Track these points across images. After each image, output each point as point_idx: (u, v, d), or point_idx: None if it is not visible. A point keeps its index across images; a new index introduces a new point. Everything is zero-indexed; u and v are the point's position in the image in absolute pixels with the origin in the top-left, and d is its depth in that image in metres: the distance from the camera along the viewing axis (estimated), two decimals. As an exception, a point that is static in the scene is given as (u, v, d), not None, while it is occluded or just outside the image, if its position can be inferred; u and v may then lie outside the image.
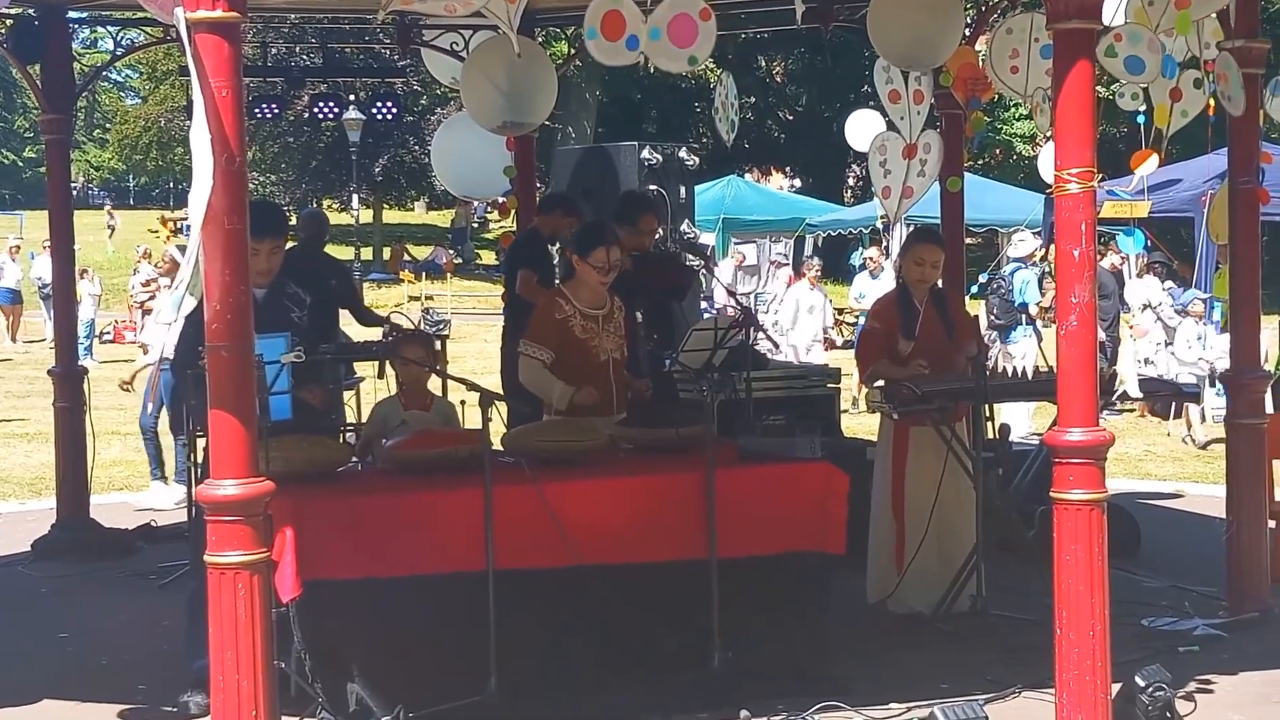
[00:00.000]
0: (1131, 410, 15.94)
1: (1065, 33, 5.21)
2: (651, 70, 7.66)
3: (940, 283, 7.65)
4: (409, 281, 33.11)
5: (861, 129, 16.61)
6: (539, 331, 6.93)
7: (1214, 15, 6.99)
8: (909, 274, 7.52)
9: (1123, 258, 16.29)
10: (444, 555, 5.73)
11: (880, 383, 7.37)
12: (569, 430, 6.41)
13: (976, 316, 8.37)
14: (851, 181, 42.59)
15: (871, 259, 18.54)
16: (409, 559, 5.70)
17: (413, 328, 8.02)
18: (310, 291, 6.95)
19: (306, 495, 5.66)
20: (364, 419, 8.18)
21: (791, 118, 43.13)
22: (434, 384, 8.37)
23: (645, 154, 10.60)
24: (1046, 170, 7.91)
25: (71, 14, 9.82)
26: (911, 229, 9.65)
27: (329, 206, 52.93)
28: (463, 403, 6.64)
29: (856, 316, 18.54)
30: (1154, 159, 7.40)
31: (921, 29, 7.88)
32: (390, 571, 5.68)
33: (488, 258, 42.10)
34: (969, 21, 8.76)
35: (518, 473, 5.90)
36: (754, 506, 6.14)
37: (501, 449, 6.19)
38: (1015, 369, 8.89)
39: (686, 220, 10.85)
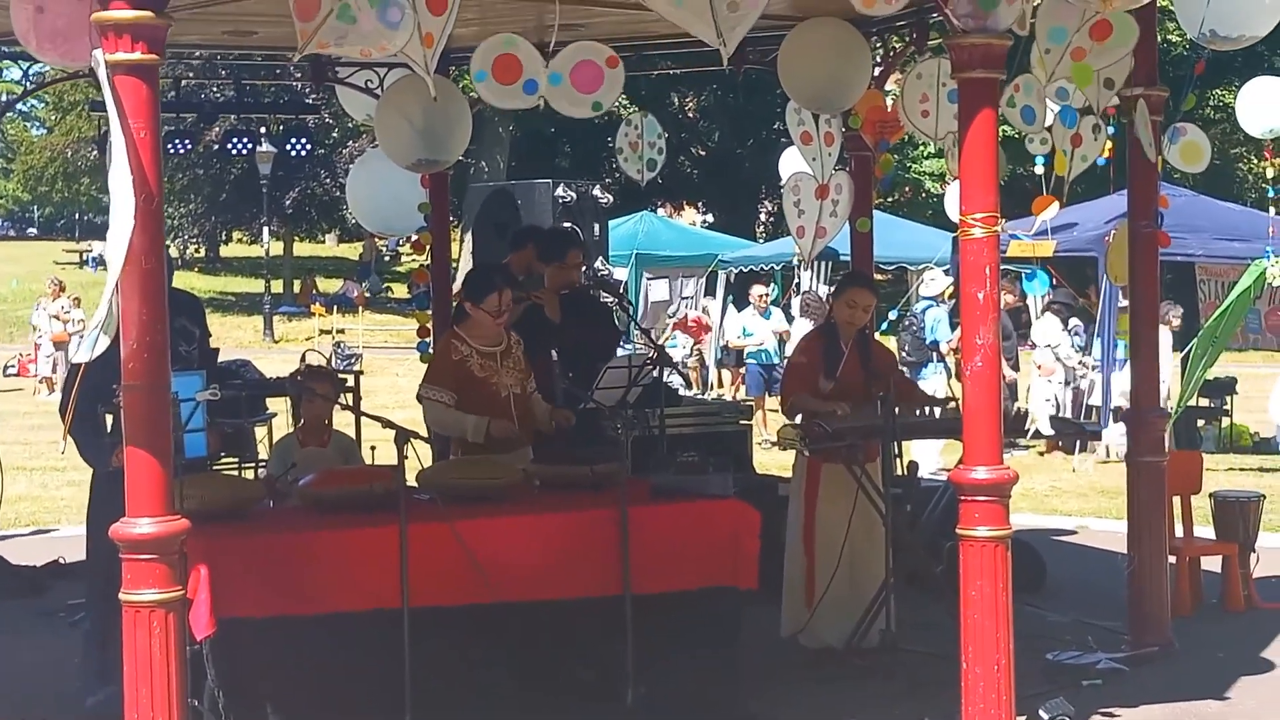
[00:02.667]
0: (1037, 447, 16.20)
1: (970, 81, 5.36)
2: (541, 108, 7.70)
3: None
4: (319, 315, 32.95)
5: (794, 166, 16.75)
6: (438, 375, 7.00)
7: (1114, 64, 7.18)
8: (840, 315, 7.63)
9: (1017, 298, 16.57)
10: (359, 593, 5.73)
11: (796, 419, 7.48)
12: (484, 468, 6.45)
13: (891, 353, 8.51)
14: (763, 217, 42.91)
15: (760, 298, 18.74)
16: (324, 596, 5.69)
17: (322, 364, 8.02)
18: (199, 327, 6.96)
19: (221, 533, 5.64)
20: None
21: (704, 153, 43.40)
22: (346, 422, 8.38)
23: (560, 191, 10.68)
24: (952, 209, 8.09)
25: (-21, 46, 9.74)
26: (845, 272, 9.80)
27: (239, 239, 52.67)
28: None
29: (743, 354, 18.77)
30: (1055, 205, 7.60)
31: (830, 73, 8.04)
32: (305, 609, 5.67)
33: (400, 291, 41.96)
34: (877, 65, 8.93)
35: (433, 510, 5.93)
36: (667, 543, 6.20)
37: (416, 486, 6.21)
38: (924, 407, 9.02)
39: (600, 257, 10.93)
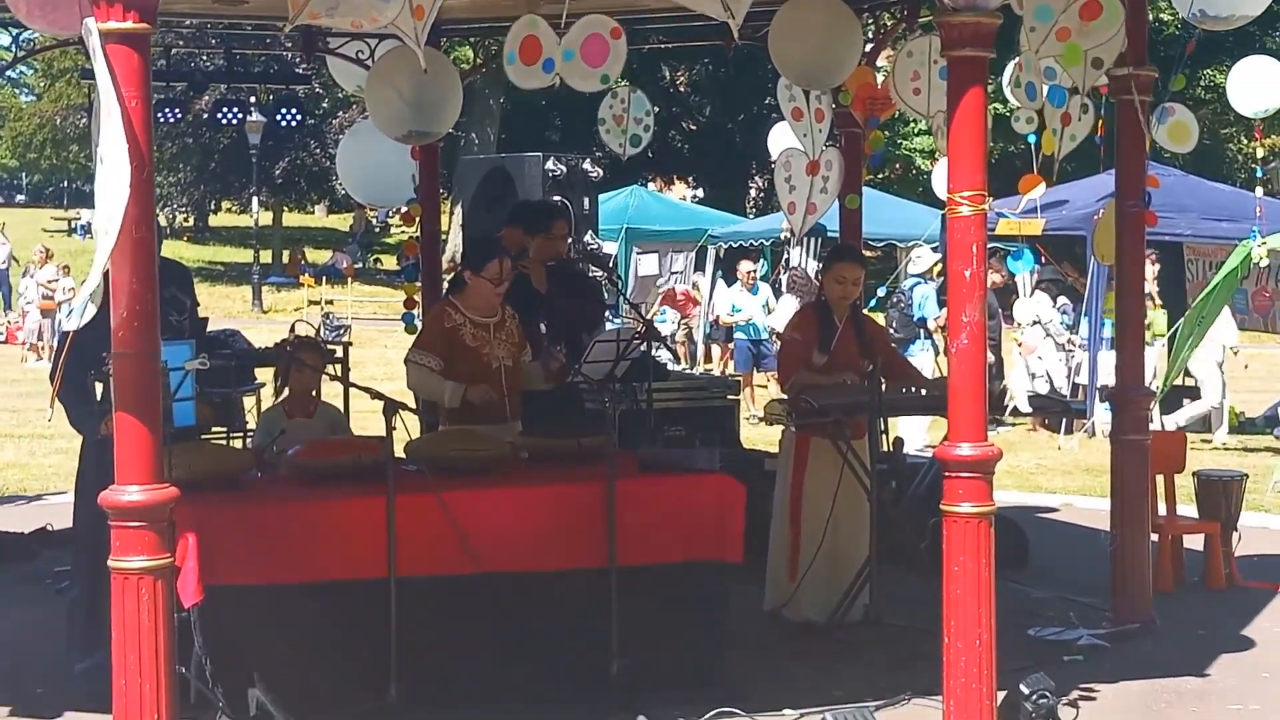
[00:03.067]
0: (1024, 424, 16.27)
1: (959, 60, 5.38)
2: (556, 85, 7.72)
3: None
4: (308, 285, 32.90)
5: (784, 142, 16.72)
6: (427, 340, 7.03)
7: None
8: (830, 291, 7.65)
9: (1004, 276, 16.61)
10: (346, 562, 5.77)
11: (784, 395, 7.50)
12: (472, 439, 6.48)
13: (882, 327, 8.54)
14: (753, 193, 42.88)
15: (748, 274, 18.77)
16: (311, 566, 5.74)
17: (311, 335, 8.02)
18: (188, 296, 6.96)
19: (209, 502, 5.68)
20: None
21: (694, 128, 43.36)
22: (335, 393, 8.40)
23: (550, 165, 10.68)
24: (940, 186, 8.13)
25: (-30, 13, 9.71)
26: (831, 248, 9.83)
27: (228, 209, 52.53)
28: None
29: (732, 330, 18.83)
30: (1042, 185, 7.63)
31: (820, 49, 8.03)
32: (292, 578, 5.72)
33: (389, 263, 41.89)
34: (869, 42, 8.94)
35: (420, 481, 5.97)
36: (653, 516, 6.23)
37: (404, 457, 6.24)
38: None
39: (590, 231, 10.95)
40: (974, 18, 5.33)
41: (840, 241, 9.41)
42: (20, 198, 74.27)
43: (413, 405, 6.76)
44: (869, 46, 8.86)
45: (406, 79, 8.49)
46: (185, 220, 53.00)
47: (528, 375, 7.12)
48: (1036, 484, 12.70)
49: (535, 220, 8.23)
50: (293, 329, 7.97)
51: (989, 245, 14.96)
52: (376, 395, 5.91)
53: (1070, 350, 16.56)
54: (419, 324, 9.28)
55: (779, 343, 13.17)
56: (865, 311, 8.54)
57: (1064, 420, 15.22)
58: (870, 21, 8.97)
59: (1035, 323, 16.57)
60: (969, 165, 5.37)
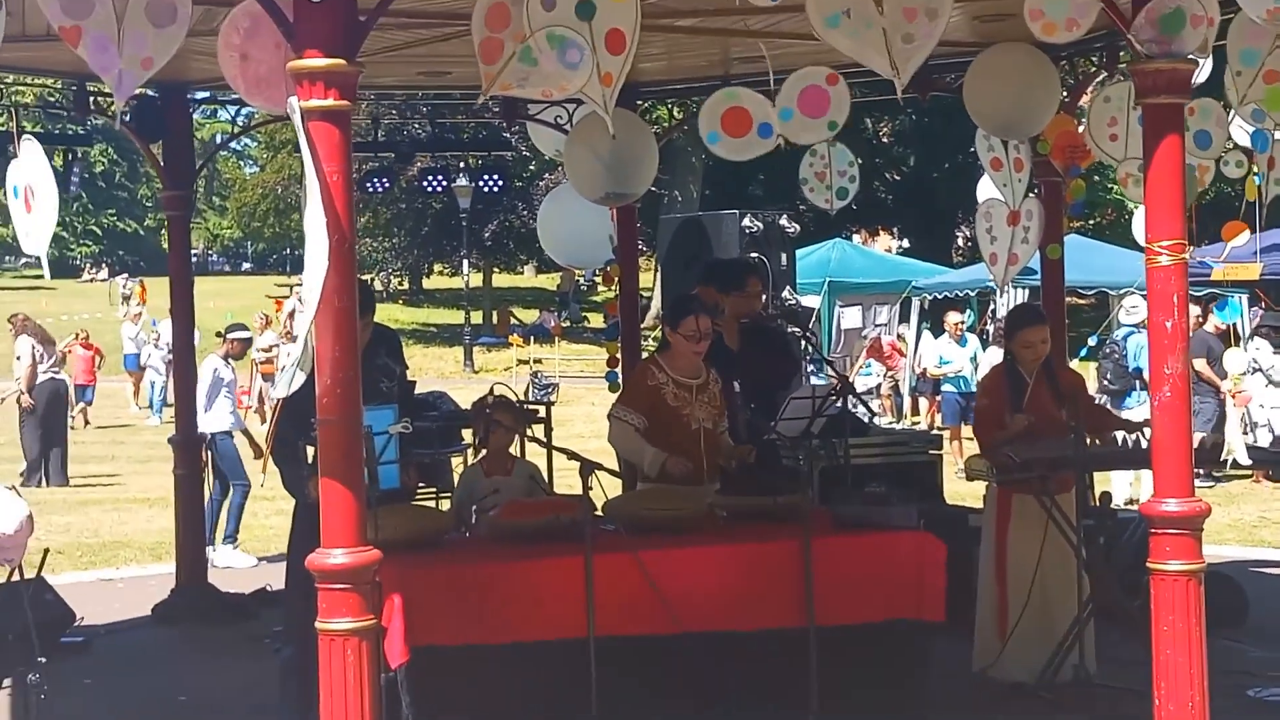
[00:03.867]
0: (1248, 476, 15.70)
1: (1155, 107, 5.28)
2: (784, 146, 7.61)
3: None
4: (517, 345, 33.46)
5: (991, 191, 16.39)
6: (631, 397, 7.06)
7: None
8: (1020, 356, 7.52)
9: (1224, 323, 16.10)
10: (546, 622, 5.84)
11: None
12: (669, 498, 6.51)
13: (1079, 376, 8.32)
14: (960, 242, 42.36)
15: (955, 325, 18.54)
16: (512, 626, 5.81)
17: (509, 395, 8.16)
18: (398, 362, 7.14)
19: (413, 563, 5.80)
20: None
21: (898, 178, 43.07)
22: (538, 451, 8.51)
23: (746, 222, 10.71)
24: (1140, 234, 7.95)
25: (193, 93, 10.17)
26: (1009, 313, 9.61)
27: (440, 271, 53.79)
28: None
29: (939, 382, 18.62)
30: (1246, 231, 7.41)
31: (1016, 99, 7.95)
32: (494, 638, 5.80)
33: (595, 321, 42.39)
34: (1070, 87, 8.81)
35: (618, 540, 6.02)
36: (851, 575, 6.20)
37: (602, 516, 6.30)
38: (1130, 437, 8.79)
39: (788, 287, 10.94)
40: (1169, 64, 5.24)
41: (1043, 293, 9.24)
42: (246, 265, 77.16)
43: (610, 464, 6.81)
44: (1067, 94, 8.72)
45: (602, 142, 8.64)
46: (400, 284, 54.39)
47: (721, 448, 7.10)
48: (1260, 538, 12.24)
49: (729, 278, 8.25)
50: (491, 390, 8.13)
51: (1208, 291, 14.58)
52: (573, 456, 5.99)
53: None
54: (621, 382, 9.40)
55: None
56: (1076, 363, 8.37)
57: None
58: (1069, 69, 8.84)
59: (1255, 370, 16.00)
60: (1167, 214, 5.26)
